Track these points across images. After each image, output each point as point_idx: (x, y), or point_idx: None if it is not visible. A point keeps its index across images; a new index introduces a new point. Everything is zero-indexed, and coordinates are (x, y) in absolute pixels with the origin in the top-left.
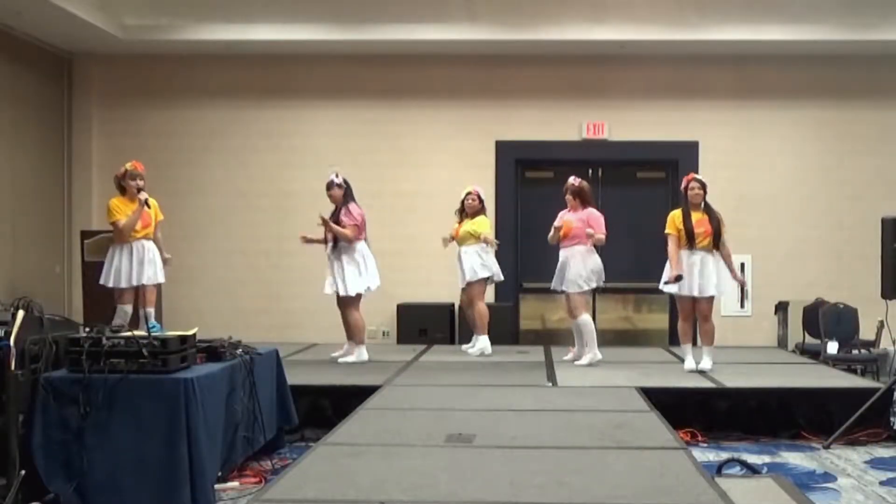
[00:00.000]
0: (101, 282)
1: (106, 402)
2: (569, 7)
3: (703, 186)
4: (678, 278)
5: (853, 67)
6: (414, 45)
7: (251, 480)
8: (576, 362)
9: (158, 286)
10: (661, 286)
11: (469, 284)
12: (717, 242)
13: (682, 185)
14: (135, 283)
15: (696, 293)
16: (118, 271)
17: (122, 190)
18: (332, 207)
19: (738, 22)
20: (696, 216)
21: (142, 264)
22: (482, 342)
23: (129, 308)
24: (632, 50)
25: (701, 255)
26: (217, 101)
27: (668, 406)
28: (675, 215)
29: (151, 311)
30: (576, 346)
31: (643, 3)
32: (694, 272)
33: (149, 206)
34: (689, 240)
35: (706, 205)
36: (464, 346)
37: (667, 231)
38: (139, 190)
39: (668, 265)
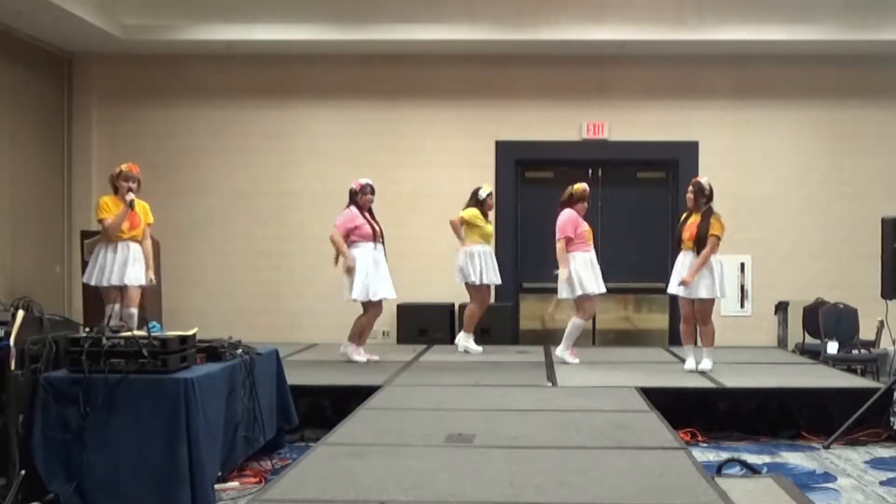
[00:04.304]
0: (84, 280)
1: (106, 402)
2: (569, 7)
3: (699, 190)
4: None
5: (853, 67)
6: (414, 45)
7: (251, 480)
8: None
9: (144, 287)
10: (669, 289)
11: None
12: (698, 246)
13: None
14: (116, 282)
15: (681, 293)
16: (101, 270)
17: (116, 189)
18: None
19: (738, 22)
20: (692, 219)
21: (125, 264)
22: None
23: (118, 307)
24: (632, 50)
25: (691, 258)
26: (217, 101)
27: (668, 406)
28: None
29: (135, 311)
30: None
31: (643, 3)
32: (684, 273)
33: (133, 208)
34: (676, 241)
35: (709, 209)
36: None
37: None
38: (128, 191)
39: (674, 269)
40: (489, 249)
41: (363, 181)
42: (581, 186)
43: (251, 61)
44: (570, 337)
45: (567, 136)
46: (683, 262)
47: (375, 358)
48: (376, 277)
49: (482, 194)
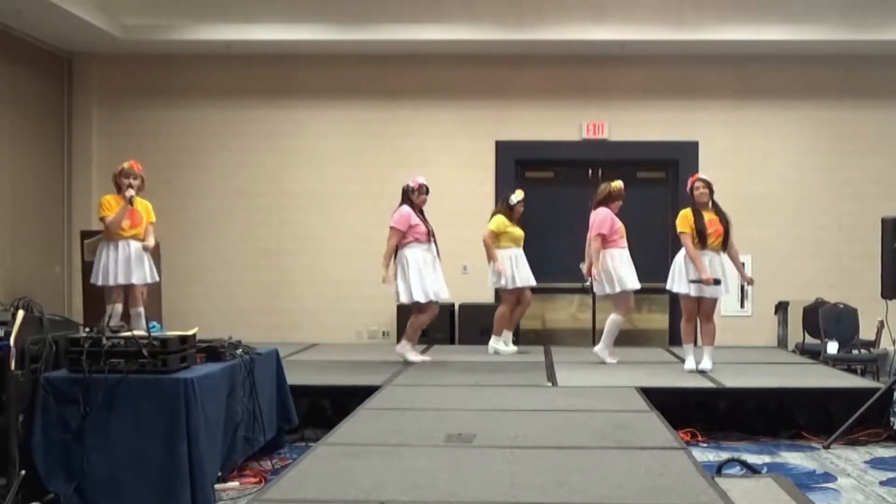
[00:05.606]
0: (92, 280)
1: (106, 402)
2: (569, 7)
3: (709, 186)
4: (717, 282)
5: (853, 67)
6: (414, 45)
7: (251, 480)
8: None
9: (148, 286)
10: (678, 287)
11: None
12: (726, 243)
13: (688, 187)
14: (122, 281)
15: (707, 293)
16: (105, 269)
17: (119, 188)
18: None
19: (738, 22)
20: (707, 216)
21: (129, 263)
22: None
23: (119, 307)
24: (632, 50)
25: (710, 255)
26: (217, 101)
27: (668, 406)
28: (687, 213)
29: (141, 310)
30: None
31: (643, 3)
32: (720, 274)
33: (132, 205)
34: (701, 240)
35: (714, 204)
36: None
37: (680, 230)
38: (128, 188)
39: (675, 266)
40: (519, 251)
41: (420, 180)
42: (619, 184)
43: (251, 61)
44: (610, 335)
45: (567, 136)
46: (713, 262)
47: (427, 359)
48: (432, 278)
49: (514, 200)
